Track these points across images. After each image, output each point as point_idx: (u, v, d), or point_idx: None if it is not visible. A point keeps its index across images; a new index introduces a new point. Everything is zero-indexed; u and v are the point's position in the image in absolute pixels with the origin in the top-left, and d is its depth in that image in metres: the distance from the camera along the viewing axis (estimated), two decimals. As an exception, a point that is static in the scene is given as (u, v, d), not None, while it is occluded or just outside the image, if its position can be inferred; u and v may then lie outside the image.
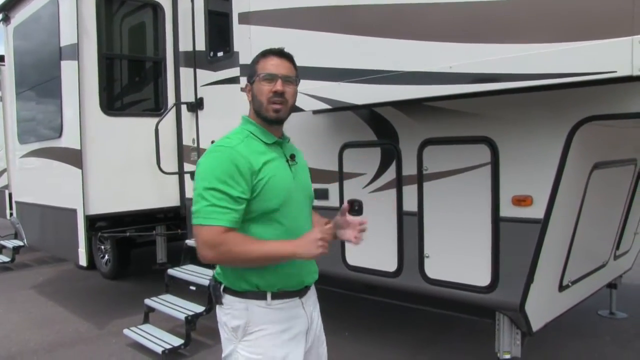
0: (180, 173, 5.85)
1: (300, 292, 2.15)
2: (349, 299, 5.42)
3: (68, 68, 5.34)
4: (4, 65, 7.72)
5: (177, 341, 4.73)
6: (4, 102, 8.01)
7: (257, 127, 2.13)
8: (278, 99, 2.06)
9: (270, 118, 2.09)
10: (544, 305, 3.52)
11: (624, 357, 4.48)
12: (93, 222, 5.57)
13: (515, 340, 3.54)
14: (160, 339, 4.78)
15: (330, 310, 5.46)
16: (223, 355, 2.16)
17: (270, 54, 2.10)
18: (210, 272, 4.42)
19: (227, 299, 2.11)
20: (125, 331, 5.05)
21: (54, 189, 5.93)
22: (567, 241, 3.52)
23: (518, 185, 3.19)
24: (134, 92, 6.08)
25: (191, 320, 4.72)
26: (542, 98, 2.94)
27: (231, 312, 2.10)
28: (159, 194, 5.69)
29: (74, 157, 5.30)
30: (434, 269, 3.64)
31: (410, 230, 3.73)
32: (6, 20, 6.87)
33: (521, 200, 3.16)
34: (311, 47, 3.43)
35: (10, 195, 8.00)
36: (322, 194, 4.17)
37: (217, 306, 2.16)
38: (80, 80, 5.20)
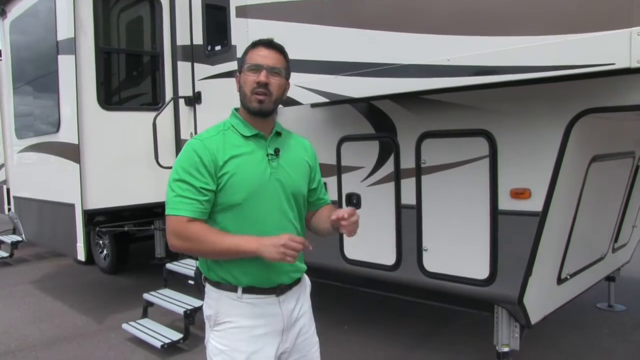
0: (179, 167, 5.82)
1: (276, 290, 2.11)
2: (347, 293, 5.43)
3: (65, 62, 5.31)
4: (0, 59, 7.69)
5: (175, 335, 4.74)
6: (1, 97, 7.98)
7: (239, 119, 2.11)
8: (261, 90, 2.02)
9: (252, 109, 2.06)
10: (542, 298, 3.53)
11: (622, 350, 4.50)
12: (91, 216, 5.55)
13: (514, 333, 3.55)
14: (159, 333, 4.79)
15: (329, 303, 5.50)
16: (204, 341, 2.22)
17: (259, 44, 2.09)
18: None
19: (207, 287, 2.16)
20: (124, 326, 5.06)
21: (52, 184, 5.91)
22: (565, 234, 3.52)
23: (516, 178, 3.18)
24: (131, 87, 6.06)
25: (190, 315, 4.72)
26: (540, 90, 2.94)
27: (207, 300, 2.16)
28: (157, 188, 5.67)
29: (71, 152, 5.29)
30: (432, 262, 3.64)
31: (408, 223, 3.73)
32: (2, 14, 6.83)
33: (519, 193, 3.16)
34: (309, 40, 3.41)
35: (8, 190, 7.97)
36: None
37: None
38: (77, 74, 5.17)
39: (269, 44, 2.09)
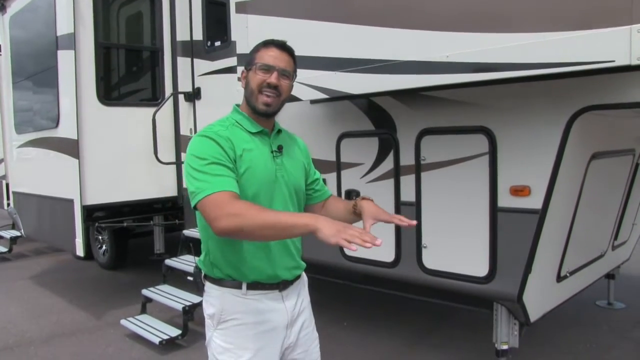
0: (178, 163, 5.83)
1: (279, 286, 2.10)
2: (347, 290, 5.42)
3: (65, 57, 5.30)
4: (0, 54, 7.68)
5: (174, 331, 4.74)
6: (1, 92, 7.98)
7: (243, 116, 2.09)
8: (271, 92, 2.01)
9: (258, 110, 2.04)
10: (541, 295, 3.52)
11: (622, 347, 4.49)
12: (90, 212, 5.56)
13: (513, 330, 3.55)
14: (157, 329, 4.79)
15: (329, 300, 5.50)
16: (205, 342, 2.18)
17: (271, 44, 2.06)
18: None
19: (207, 285, 2.12)
20: (123, 321, 5.06)
21: (51, 179, 5.91)
22: (565, 232, 3.51)
23: (516, 175, 3.18)
24: (131, 82, 6.06)
25: (188, 311, 4.73)
26: (540, 87, 2.93)
27: (208, 299, 2.11)
28: (156, 184, 5.68)
29: (71, 147, 5.28)
30: (431, 260, 3.64)
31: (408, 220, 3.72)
32: (2, 9, 6.83)
33: (519, 191, 3.16)
34: (308, 36, 3.40)
35: (7, 185, 7.97)
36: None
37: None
38: (77, 69, 5.17)
39: (282, 45, 2.06)
